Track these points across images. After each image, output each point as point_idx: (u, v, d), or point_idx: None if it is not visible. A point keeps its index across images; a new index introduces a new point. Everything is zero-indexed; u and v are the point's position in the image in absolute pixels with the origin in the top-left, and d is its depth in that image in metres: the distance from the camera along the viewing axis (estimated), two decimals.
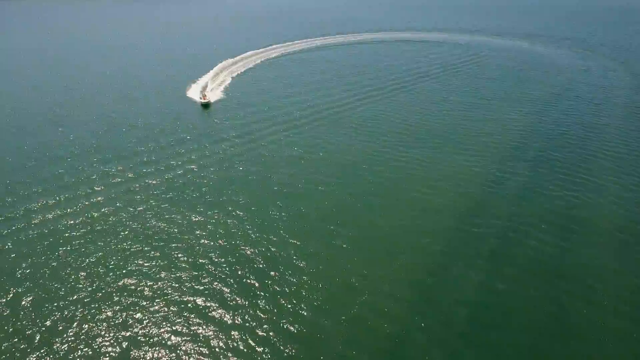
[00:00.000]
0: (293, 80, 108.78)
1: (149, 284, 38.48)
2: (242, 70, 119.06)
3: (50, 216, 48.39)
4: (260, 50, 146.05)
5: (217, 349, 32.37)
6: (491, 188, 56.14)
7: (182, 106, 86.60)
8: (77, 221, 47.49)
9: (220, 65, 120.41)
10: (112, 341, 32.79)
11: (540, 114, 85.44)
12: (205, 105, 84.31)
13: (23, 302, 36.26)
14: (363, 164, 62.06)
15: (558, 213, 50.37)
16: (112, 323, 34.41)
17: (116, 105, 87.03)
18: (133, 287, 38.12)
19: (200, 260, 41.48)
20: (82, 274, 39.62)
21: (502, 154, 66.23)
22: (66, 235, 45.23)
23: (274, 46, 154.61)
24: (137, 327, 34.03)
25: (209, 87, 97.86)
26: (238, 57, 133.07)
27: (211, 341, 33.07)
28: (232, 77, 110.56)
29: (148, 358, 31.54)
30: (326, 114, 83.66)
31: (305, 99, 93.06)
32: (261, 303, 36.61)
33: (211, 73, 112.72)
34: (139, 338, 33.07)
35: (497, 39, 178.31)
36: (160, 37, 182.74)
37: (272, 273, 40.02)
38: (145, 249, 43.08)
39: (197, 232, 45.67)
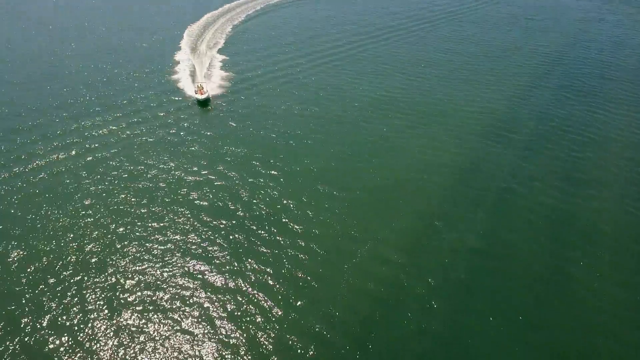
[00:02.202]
0: (286, 33, 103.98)
1: (138, 241, 37.60)
2: (226, 38, 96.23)
3: (37, 164, 47.93)
4: (218, 11, 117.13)
5: (217, 306, 32.54)
6: (494, 144, 55.25)
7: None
8: (68, 170, 47.00)
9: (187, 39, 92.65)
10: (101, 298, 32.55)
11: (548, 67, 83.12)
12: (203, 103, 62.49)
13: (10, 258, 36.19)
14: (362, 120, 60.61)
15: (562, 168, 50.01)
16: (102, 281, 33.96)
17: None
18: (122, 245, 37.15)
19: (194, 221, 40.34)
20: (71, 226, 39.20)
21: (506, 110, 64.76)
22: (56, 185, 44.82)
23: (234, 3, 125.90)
24: (126, 286, 33.45)
25: (199, 74, 73.57)
26: (202, 21, 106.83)
27: (212, 297, 33.26)
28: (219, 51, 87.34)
29: (136, 318, 31.29)
30: (322, 63, 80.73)
31: (300, 51, 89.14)
32: (260, 261, 36.28)
33: (186, 50, 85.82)
34: (128, 298, 32.58)
35: None
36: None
37: (271, 230, 39.64)
38: (135, 204, 42.21)
39: (191, 191, 44.38)
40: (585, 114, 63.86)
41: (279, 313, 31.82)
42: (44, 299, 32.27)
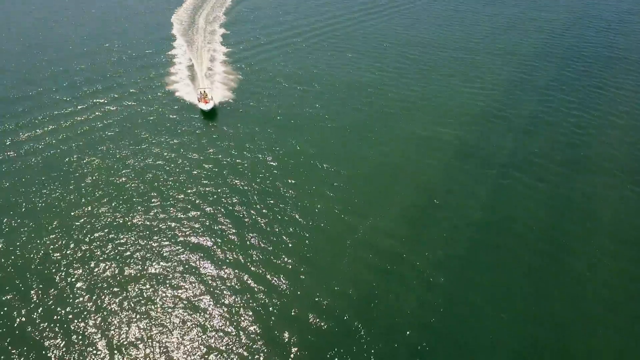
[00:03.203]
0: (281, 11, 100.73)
1: (137, 218, 37.88)
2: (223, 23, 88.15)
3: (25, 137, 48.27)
4: None
5: (221, 282, 32.97)
6: (495, 123, 54.91)
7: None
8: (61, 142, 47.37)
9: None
10: (103, 267, 33.26)
11: (550, 45, 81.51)
12: (209, 114, 53.55)
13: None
14: (362, 96, 60.06)
15: (563, 148, 49.87)
16: (105, 252, 34.72)
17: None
18: (121, 218, 37.65)
19: (195, 199, 40.38)
20: (66, 196, 39.76)
21: (507, 89, 64.01)
22: (49, 155, 45.37)
23: None
24: (126, 259, 33.98)
25: (200, 78, 62.65)
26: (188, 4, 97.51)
27: (216, 273, 33.73)
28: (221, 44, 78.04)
29: (138, 287, 31.97)
30: (320, 39, 79.67)
31: (296, 25, 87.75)
32: (261, 239, 36.54)
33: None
34: (129, 270, 33.15)
35: None
36: None
37: (271, 208, 39.75)
38: (132, 179, 42.49)
39: (192, 170, 44.36)
40: (588, 94, 63.01)
41: (283, 287, 32.30)
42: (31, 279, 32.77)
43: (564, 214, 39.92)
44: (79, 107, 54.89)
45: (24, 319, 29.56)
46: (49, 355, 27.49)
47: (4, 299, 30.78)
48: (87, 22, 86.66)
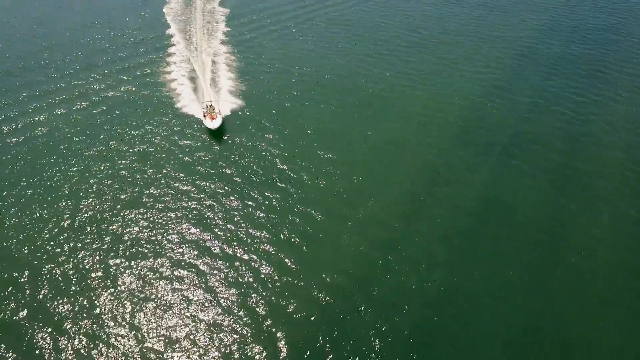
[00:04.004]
0: None
1: (134, 202, 37.88)
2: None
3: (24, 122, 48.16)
4: None
5: (222, 264, 33.22)
6: (498, 102, 54.73)
7: None
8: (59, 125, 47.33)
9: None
10: (96, 257, 33.29)
11: (555, 22, 79.87)
12: (217, 132, 46.64)
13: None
14: (361, 77, 59.53)
15: (566, 128, 49.94)
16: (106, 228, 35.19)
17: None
18: (120, 207, 37.51)
19: (191, 184, 40.25)
20: (66, 178, 39.97)
21: (510, 68, 63.51)
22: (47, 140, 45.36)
23: None
24: (124, 248, 33.83)
25: (205, 89, 54.92)
26: None
27: (217, 257, 34.09)
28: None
29: (137, 273, 32.11)
30: (318, 21, 77.39)
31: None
32: (262, 221, 36.60)
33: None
34: (128, 258, 33.12)
35: None
36: None
37: (273, 190, 39.79)
38: (131, 167, 42.28)
39: (187, 156, 44.16)
40: (592, 73, 62.46)
41: (285, 266, 32.66)
42: (42, 258, 33.08)
43: (563, 198, 39.89)
44: (75, 92, 54.75)
45: (15, 308, 29.37)
46: (42, 345, 27.50)
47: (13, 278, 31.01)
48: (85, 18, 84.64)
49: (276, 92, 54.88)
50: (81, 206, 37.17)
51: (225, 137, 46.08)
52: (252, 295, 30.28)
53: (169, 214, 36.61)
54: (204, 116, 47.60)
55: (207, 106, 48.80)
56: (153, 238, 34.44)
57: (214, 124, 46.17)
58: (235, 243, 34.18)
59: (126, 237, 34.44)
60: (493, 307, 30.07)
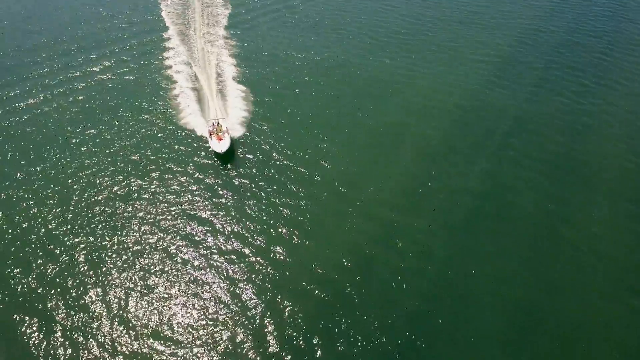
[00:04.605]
0: None
1: (133, 187, 37.98)
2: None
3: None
4: None
5: (222, 250, 33.27)
6: (498, 89, 53.89)
7: None
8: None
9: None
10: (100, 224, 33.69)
11: (557, 8, 77.74)
12: (225, 156, 41.05)
13: None
14: (360, 64, 58.53)
15: (567, 115, 49.27)
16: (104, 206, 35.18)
17: None
18: (119, 189, 37.78)
19: (190, 171, 40.11)
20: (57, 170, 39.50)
21: (511, 54, 62.41)
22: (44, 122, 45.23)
23: None
24: (126, 230, 34.18)
25: (209, 95, 49.81)
26: None
27: (215, 243, 34.08)
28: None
29: (137, 257, 32.41)
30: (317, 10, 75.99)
31: None
32: (261, 206, 36.67)
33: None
34: (129, 241, 33.46)
35: None
36: None
37: (271, 176, 39.70)
38: (129, 150, 42.28)
39: (182, 145, 43.94)
40: (595, 61, 61.34)
41: (281, 255, 32.38)
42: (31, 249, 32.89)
43: (563, 190, 39.45)
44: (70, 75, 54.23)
45: (25, 289, 29.58)
46: (52, 324, 27.70)
47: (5, 271, 30.77)
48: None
49: (276, 81, 53.72)
50: (76, 196, 36.83)
51: (235, 159, 41.24)
52: (246, 288, 29.98)
53: (164, 207, 36.21)
54: (210, 135, 41.89)
55: (213, 124, 42.94)
56: (147, 229, 34.11)
57: (221, 146, 40.23)
58: (230, 235, 33.81)
59: (121, 227, 34.21)
60: (491, 301, 29.80)
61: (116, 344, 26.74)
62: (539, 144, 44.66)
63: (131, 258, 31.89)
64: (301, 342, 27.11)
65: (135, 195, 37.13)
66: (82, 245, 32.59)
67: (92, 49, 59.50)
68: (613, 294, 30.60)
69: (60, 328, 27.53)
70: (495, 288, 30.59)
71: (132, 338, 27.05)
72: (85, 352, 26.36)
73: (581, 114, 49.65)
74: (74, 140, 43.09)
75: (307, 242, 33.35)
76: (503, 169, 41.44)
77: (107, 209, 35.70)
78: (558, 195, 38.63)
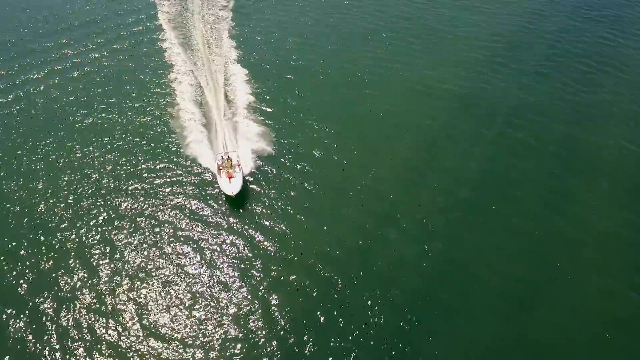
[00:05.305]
0: None
1: (130, 174, 37.40)
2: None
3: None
4: None
5: (221, 239, 33.37)
6: (500, 72, 53.41)
7: None
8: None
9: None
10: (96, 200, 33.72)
11: None
12: (236, 199, 34.79)
13: None
14: (359, 48, 57.50)
15: (570, 99, 49.01)
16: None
17: None
18: (117, 174, 37.36)
19: (185, 160, 38.95)
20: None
21: (513, 37, 61.64)
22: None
23: None
24: (121, 218, 33.64)
25: (224, 142, 40.03)
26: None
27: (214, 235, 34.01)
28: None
29: (133, 244, 32.13)
30: None
31: None
32: (261, 195, 36.56)
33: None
34: (124, 229, 32.90)
35: None
36: None
37: (270, 165, 39.06)
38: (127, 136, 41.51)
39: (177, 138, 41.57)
40: (599, 42, 60.74)
41: (283, 239, 32.52)
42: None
43: (563, 171, 39.62)
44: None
45: (13, 277, 29.40)
46: (38, 313, 27.56)
47: None
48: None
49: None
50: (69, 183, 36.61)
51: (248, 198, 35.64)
52: (249, 268, 30.38)
53: (164, 197, 35.94)
54: (219, 171, 36.05)
55: (222, 158, 36.74)
56: (149, 213, 34.24)
57: (232, 187, 34.07)
58: (232, 214, 34.08)
59: (125, 213, 34.19)
60: (490, 279, 30.34)
61: (106, 338, 26.51)
62: (541, 125, 44.63)
63: (122, 250, 31.56)
64: (302, 319, 27.65)
65: (129, 189, 36.35)
66: (72, 236, 32.04)
67: (86, 33, 58.19)
68: (607, 270, 31.22)
69: (49, 321, 27.11)
70: (494, 266, 31.09)
71: (125, 332, 26.80)
72: (75, 345, 26.15)
73: (584, 96, 49.50)
74: (69, 127, 42.52)
75: (307, 222, 33.57)
76: (504, 150, 41.57)
77: (100, 200, 35.13)
78: (558, 176, 38.86)
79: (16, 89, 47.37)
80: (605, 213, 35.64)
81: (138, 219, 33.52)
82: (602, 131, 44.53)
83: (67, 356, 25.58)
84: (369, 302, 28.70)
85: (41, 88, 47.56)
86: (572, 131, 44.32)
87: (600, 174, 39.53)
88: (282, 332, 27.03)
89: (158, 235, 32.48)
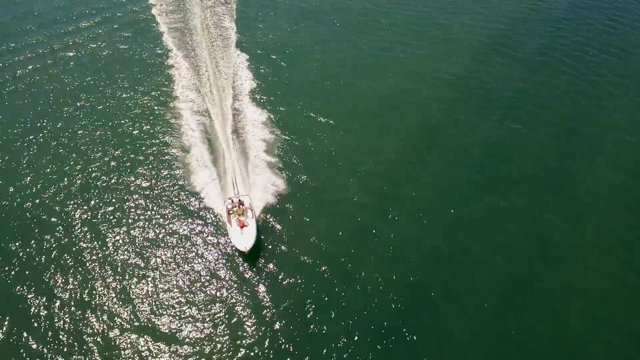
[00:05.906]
0: None
1: (128, 161, 36.97)
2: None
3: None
4: None
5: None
6: (502, 57, 52.47)
7: None
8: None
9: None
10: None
11: None
12: (250, 255, 29.12)
13: None
14: (357, 32, 56.44)
15: (576, 83, 48.35)
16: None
17: None
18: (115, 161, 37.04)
19: (187, 144, 39.24)
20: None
21: (517, 20, 60.23)
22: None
23: None
24: (122, 201, 33.61)
25: (233, 181, 33.92)
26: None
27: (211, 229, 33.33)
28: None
29: (131, 231, 32.16)
30: None
31: None
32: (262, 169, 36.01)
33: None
34: (125, 212, 32.93)
35: None
36: None
37: (272, 146, 38.78)
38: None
39: (169, 132, 40.68)
40: (603, 28, 59.34)
41: (286, 220, 32.28)
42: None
43: (566, 156, 39.19)
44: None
45: (24, 261, 29.24)
46: (51, 297, 27.45)
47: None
48: None
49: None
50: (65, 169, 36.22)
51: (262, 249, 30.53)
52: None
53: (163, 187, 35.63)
54: (229, 215, 30.62)
55: (232, 202, 31.32)
56: (143, 203, 33.60)
57: (245, 241, 28.77)
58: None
59: (117, 199, 33.81)
60: (491, 260, 30.18)
61: (117, 319, 26.43)
62: (543, 111, 43.93)
63: (129, 233, 31.37)
64: (303, 299, 27.27)
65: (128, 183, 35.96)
66: (77, 216, 32.15)
67: (83, 18, 56.73)
68: (606, 251, 31.09)
69: (59, 301, 27.15)
70: (495, 248, 30.98)
71: (134, 311, 26.87)
72: (85, 322, 26.22)
73: (587, 82, 48.60)
74: (68, 110, 41.98)
75: (309, 203, 33.33)
76: (505, 135, 40.98)
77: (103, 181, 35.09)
78: (560, 162, 38.47)
79: (9, 70, 46.41)
80: (604, 197, 35.29)
81: (118, 214, 32.79)
82: (603, 118, 43.72)
83: (63, 355, 24.99)
84: (369, 284, 28.48)
85: (30, 75, 46.36)
86: (573, 117, 43.57)
87: (604, 160, 39.03)
88: (272, 333, 26.26)
89: (154, 240, 31.26)
